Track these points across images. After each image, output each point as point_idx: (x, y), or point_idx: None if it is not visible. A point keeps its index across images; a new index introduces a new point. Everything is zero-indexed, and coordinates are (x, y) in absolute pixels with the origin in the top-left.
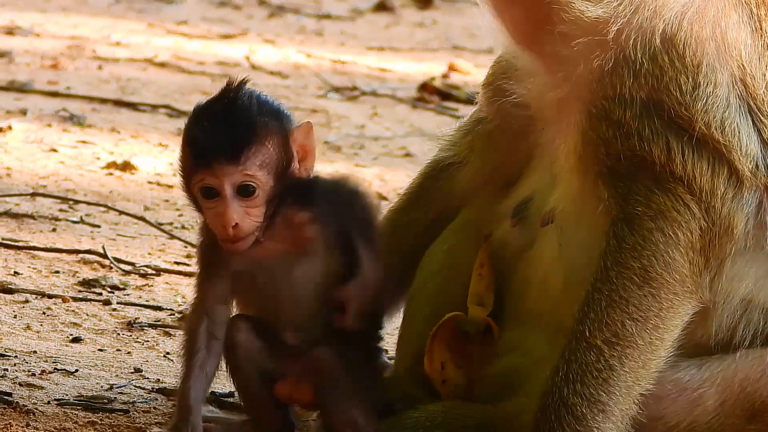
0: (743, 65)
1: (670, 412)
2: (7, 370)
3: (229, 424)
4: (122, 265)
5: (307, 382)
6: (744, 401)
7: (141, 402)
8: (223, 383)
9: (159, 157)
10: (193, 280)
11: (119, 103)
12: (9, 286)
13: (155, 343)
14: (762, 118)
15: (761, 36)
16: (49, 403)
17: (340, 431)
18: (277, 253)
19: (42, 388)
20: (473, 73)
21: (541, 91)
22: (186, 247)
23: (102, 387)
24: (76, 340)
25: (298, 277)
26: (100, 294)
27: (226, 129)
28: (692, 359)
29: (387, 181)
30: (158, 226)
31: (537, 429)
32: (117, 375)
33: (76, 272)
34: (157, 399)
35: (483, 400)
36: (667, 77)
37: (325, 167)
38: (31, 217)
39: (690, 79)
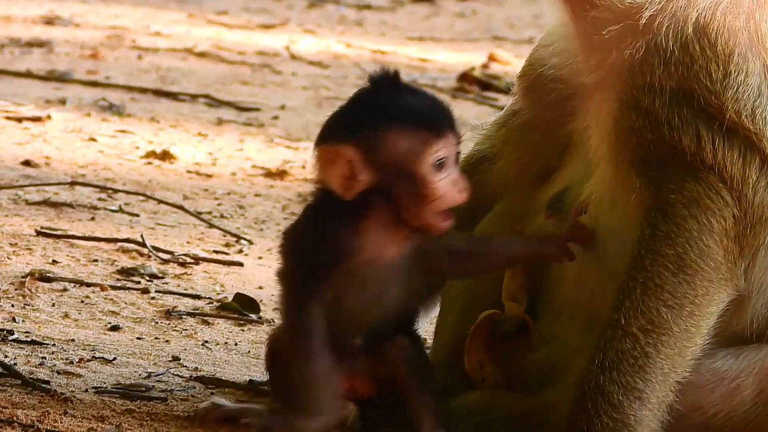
0: None
1: (707, 402)
2: (45, 358)
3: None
4: (161, 254)
5: (371, 376)
6: None
7: (179, 390)
8: (261, 371)
9: (198, 146)
10: (232, 269)
11: (158, 93)
12: (48, 274)
13: (193, 332)
14: None
15: None
16: (86, 391)
17: (419, 419)
18: (400, 252)
19: (80, 376)
20: (513, 64)
21: (577, 75)
22: (225, 236)
23: (140, 375)
24: (115, 328)
25: (412, 280)
26: (139, 282)
27: (435, 100)
28: (729, 348)
29: None
30: (197, 215)
31: (574, 418)
32: (155, 363)
33: (115, 261)
34: (195, 387)
35: (520, 392)
36: (698, 65)
37: None
38: (70, 206)
39: (721, 68)
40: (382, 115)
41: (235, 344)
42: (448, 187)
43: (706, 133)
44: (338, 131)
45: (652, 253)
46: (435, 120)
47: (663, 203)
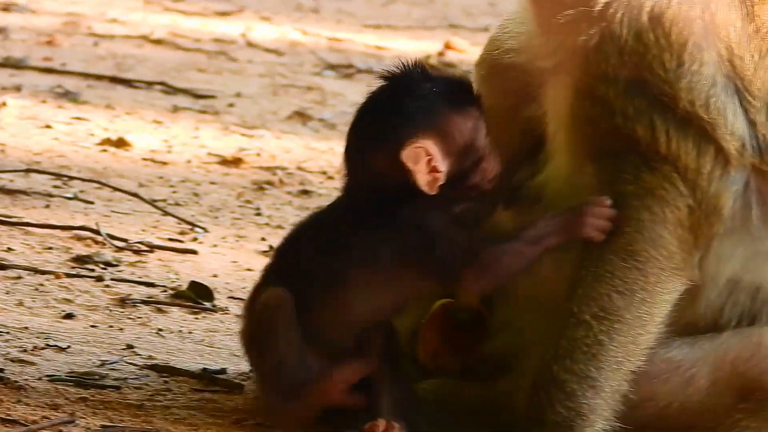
0: (731, 46)
1: (662, 392)
2: None
3: None
4: (115, 242)
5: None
6: (735, 380)
7: (132, 378)
8: (215, 359)
9: (153, 133)
10: (187, 257)
11: (115, 80)
12: (2, 261)
13: (147, 320)
14: (749, 98)
15: (752, 20)
16: (40, 379)
17: (381, 404)
18: None
19: (34, 364)
20: (469, 52)
21: (535, 60)
22: (180, 223)
23: (94, 363)
24: (69, 316)
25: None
26: (93, 270)
27: (462, 79)
28: (684, 338)
29: None
30: (152, 202)
31: (529, 406)
32: (109, 351)
33: (70, 248)
34: (148, 375)
35: (476, 380)
36: (651, 55)
37: (319, 145)
38: (25, 193)
39: (675, 57)
40: (440, 102)
41: (189, 332)
42: (490, 165)
43: (660, 124)
44: (409, 128)
45: (603, 241)
46: (474, 95)
47: (618, 194)
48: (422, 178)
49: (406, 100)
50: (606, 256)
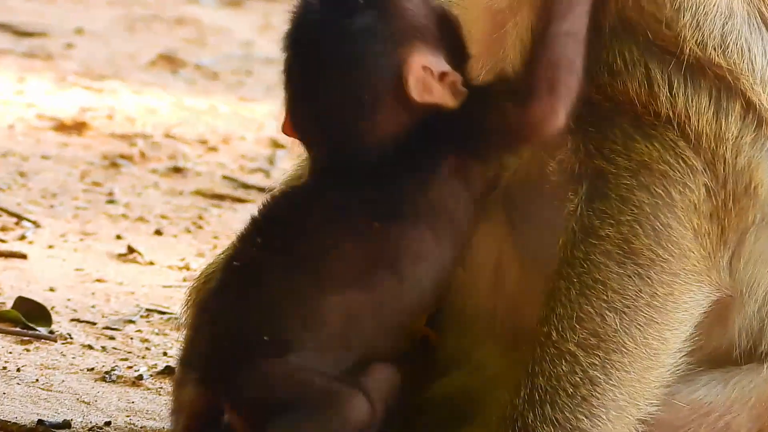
0: None
1: None
2: None
3: None
4: None
5: None
6: None
7: None
8: (54, 407)
9: None
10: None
11: None
12: None
13: None
14: None
15: None
16: None
17: None
18: None
19: None
20: None
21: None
22: (0, 215)
23: None
24: None
25: None
26: None
27: None
28: (714, 372)
29: None
30: None
31: None
32: None
33: None
34: None
35: (425, 430)
36: None
37: (196, 102)
38: None
39: None
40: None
41: (18, 370)
42: None
43: (659, 75)
44: (393, 48)
45: (588, 235)
46: None
47: (603, 170)
48: (441, 95)
49: (360, 16)
50: (594, 259)
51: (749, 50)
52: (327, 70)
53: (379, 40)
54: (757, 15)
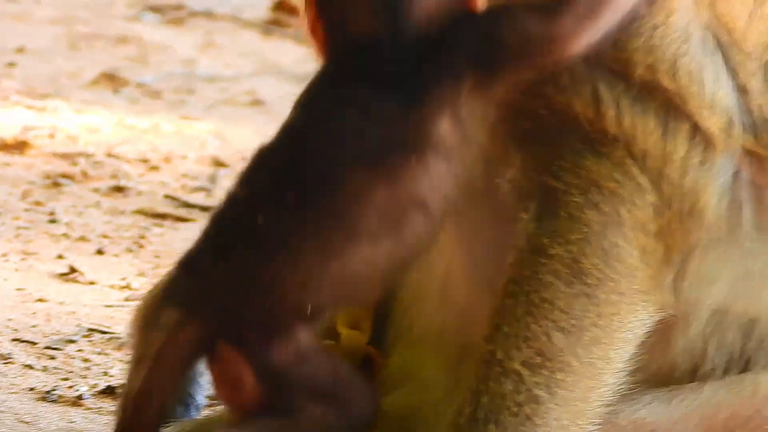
0: None
1: None
2: None
3: None
4: None
5: None
6: None
7: None
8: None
9: None
10: None
11: None
12: None
13: None
14: (738, 57)
15: None
16: None
17: None
18: None
19: None
20: None
21: None
22: None
23: None
24: None
25: None
26: None
27: None
28: (658, 391)
29: (227, 141)
30: None
31: None
32: None
33: None
34: None
35: None
36: None
37: (138, 121)
38: None
39: None
40: None
41: None
42: None
43: (607, 95)
44: None
45: (536, 254)
46: None
47: (553, 188)
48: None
49: None
50: (543, 278)
51: (701, 74)
52: None
53: None
54: (714, 40)
